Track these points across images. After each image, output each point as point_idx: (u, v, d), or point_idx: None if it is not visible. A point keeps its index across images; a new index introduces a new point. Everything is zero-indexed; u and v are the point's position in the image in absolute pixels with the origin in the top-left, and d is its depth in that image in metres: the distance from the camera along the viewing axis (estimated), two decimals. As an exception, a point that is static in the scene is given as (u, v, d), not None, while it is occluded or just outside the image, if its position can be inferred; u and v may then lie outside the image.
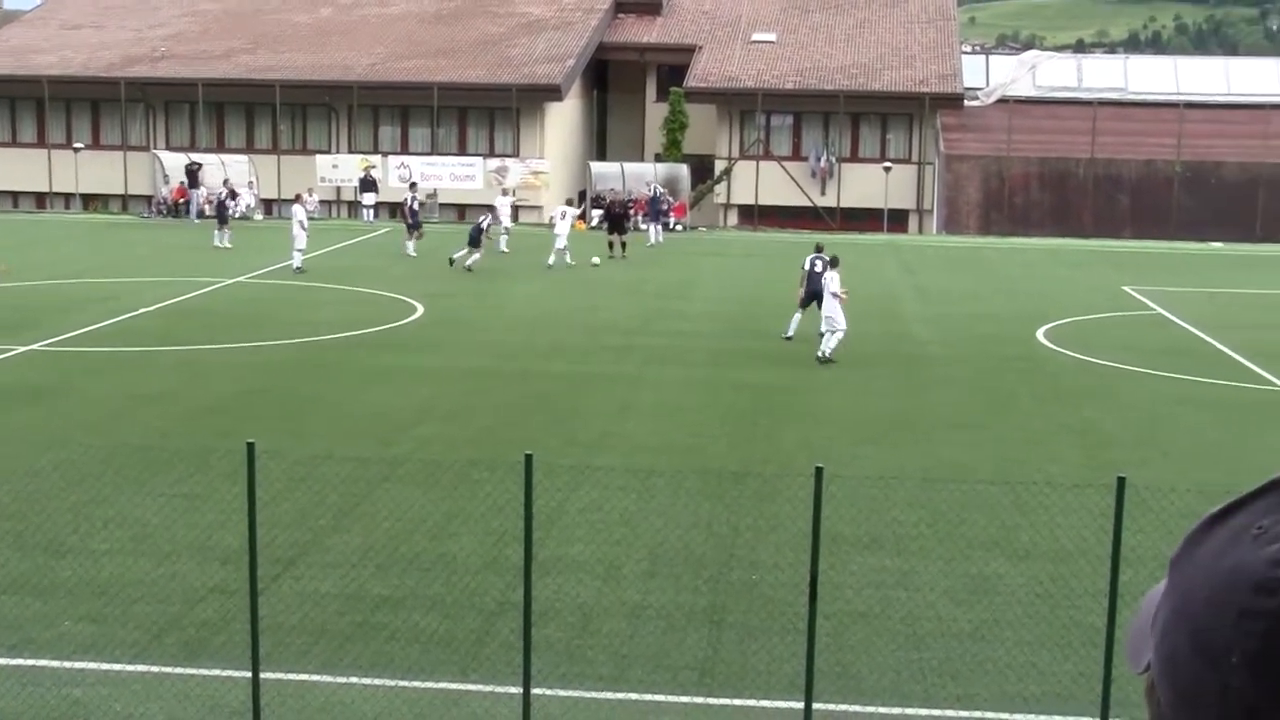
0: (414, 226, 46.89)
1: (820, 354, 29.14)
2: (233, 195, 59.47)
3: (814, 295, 30.46)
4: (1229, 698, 1.09)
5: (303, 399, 25.04)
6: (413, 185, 51.52)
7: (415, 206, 47.71)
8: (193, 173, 59.51)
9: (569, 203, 50.53)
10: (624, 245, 47.27)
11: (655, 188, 55.54)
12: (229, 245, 47.57)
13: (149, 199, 63.30)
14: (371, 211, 59.42)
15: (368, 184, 59.75)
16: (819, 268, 30.61)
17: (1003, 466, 21.03)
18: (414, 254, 45.68)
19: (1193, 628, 1.12)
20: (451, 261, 43.32)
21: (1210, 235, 58.52)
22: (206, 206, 57.41)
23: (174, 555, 16.54)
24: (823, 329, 29.42)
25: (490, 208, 49.88)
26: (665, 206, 54.65)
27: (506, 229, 48.29)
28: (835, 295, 29.18)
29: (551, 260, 43.64)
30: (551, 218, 48.15)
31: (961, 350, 31.22)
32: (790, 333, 31.36)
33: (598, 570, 16.32)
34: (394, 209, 61.35)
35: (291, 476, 19.36)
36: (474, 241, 43.18)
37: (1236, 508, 1.18)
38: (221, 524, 17.39)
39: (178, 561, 16.33)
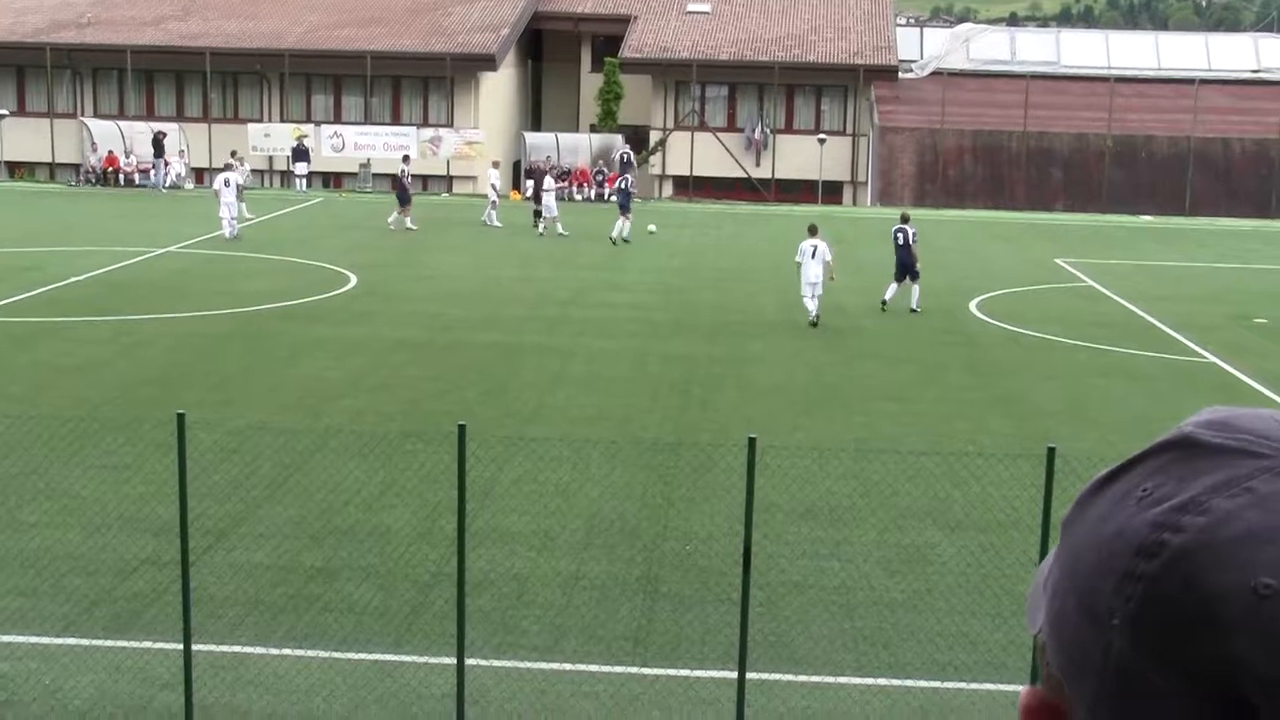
0: (405, 200, 45.66)
1: (815, 318, 30.37)
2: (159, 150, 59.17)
3: (905, 267, 32.58)
4: (1109, 659, 1.10)
5: (234, 370, 24.88)
6: (405, 159, 50.25)
7: (407, 181, 46.59)
8: (158, 142, 58.56)
9: (550, 170, 50.28)
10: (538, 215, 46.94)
11: (624, 153, 56.08)
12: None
13: (77, 167, 62.56)
14: (304, 181, 59.01)
15: (300, 153, 59.27)
16: (901, 240, 32.73)
17: (935, 438, 21.20)
18: (413, 226, 44.68)
19: (1080, 589, 1.13)
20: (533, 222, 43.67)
21: (1141, 208, 59.13)
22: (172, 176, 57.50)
23: (105, 527, 16.41)
24: (815, 294, 30.43)
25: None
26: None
27: (495, 202, 47.92)
28: (827, 262, 30.37)
29: (542, 228, 44.34)
30: (532, 187, 48.29)
31: (893, 323, 31.39)
32: (887, 297, 32.69)
33: (532, 541, 16.35)
34: (327, 178, 60.95)
35: (223, 448, 19.26)
36: (403, 200, 44.08)
37: (1124, 470, 1.18)
38: (153, 495, 17.27)
39: (108, 533, 16.22)
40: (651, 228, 45.36)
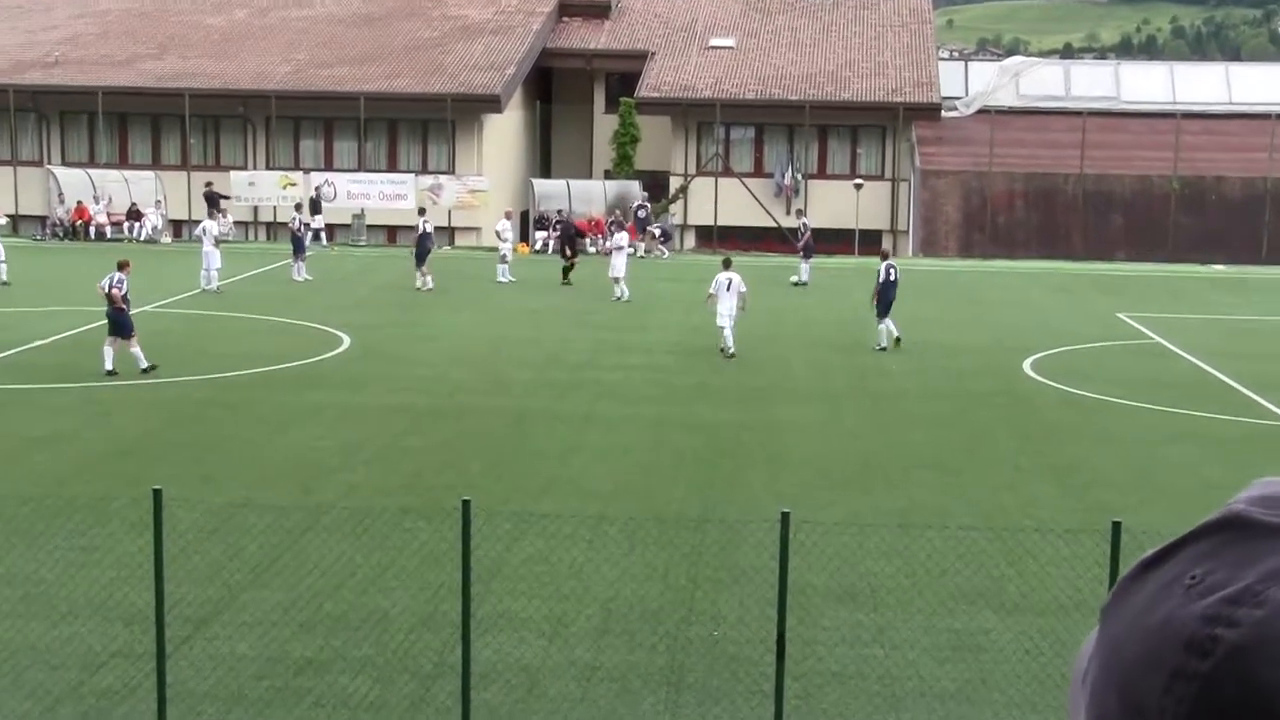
0: (421, 256, 45.26)
1: (730, 351, 33.54)
2: (136, 216, 59.43)
3: (890, 304, 35.07)
4: None
5: (216, 441, 24.90)
6: (422, 210, 49.98)
7: (428, 230, 46.32)
8: (212, 197, 58.24)
9: (615, 224, 50.60)
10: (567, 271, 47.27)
11: (640, 205, 57.24)
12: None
13: (43, 219, 62.93)
14: (321, 235, 58.55)
15: (315, 204, 59.09)
16: (892, 276, 35.49)
17: (985, 511, 21.12)
18: (430, 285, 44.55)
19: (1122, 685, 1.11)
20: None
21: (1211, 256, 59.04)
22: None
23: (71, 616, 16.40)
24: (729, 325, 33.70)
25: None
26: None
27: (505, 256, 48.08)
28: (742, 293, 33.97)
29: (618, 293, 43.56)
30: (607, 245, 47.66)
31: (938, 385, 31.36)
32: (883, 343, 35.14)
33: (544, 628, 16.29)
34: (315, 231, 60.99)
35: (203, 527, 19.26)
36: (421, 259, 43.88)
37: (1170, 553, 1.16)
38: (125, 580, 17.25)
39: (76, 623, 16.20)
40: (794, 278, 46.45)
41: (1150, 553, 1.18)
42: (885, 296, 35.48)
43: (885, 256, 37.02)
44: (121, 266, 31.63)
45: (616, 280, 43.65)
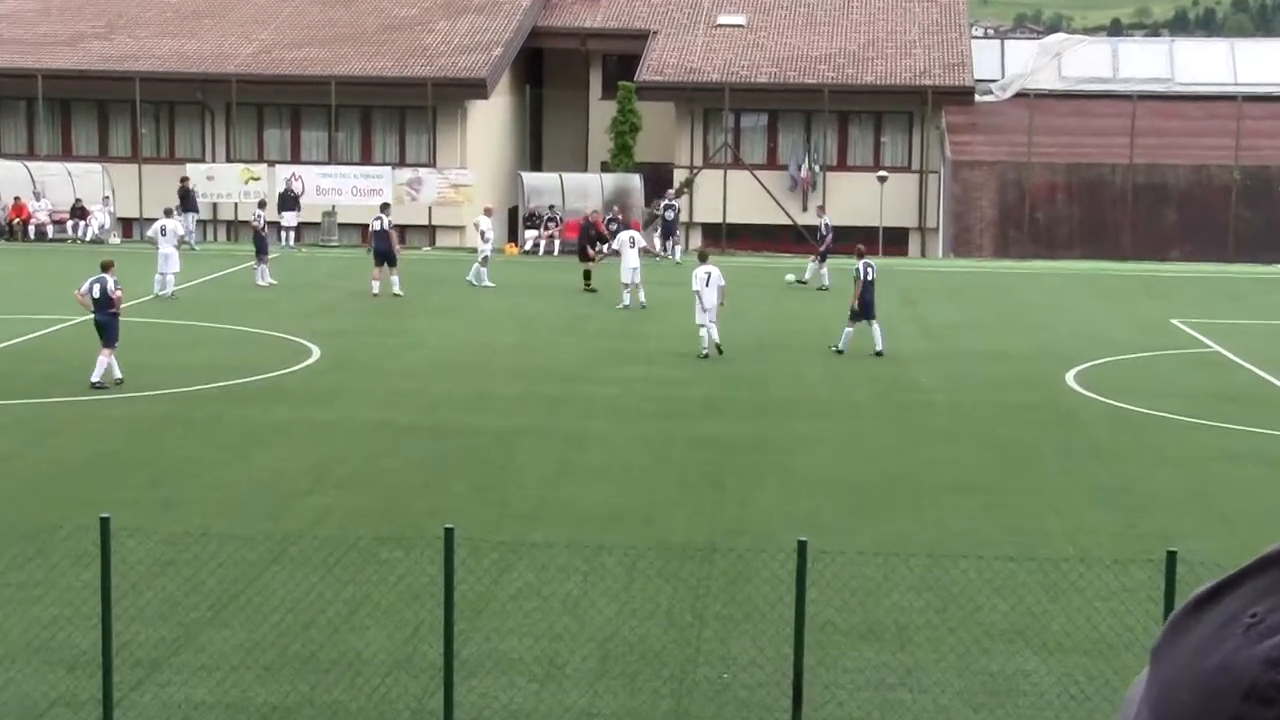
0: (385, 255, 45.12)
1: (707, 350, 34.84)
2: (81, 214, 59.39)
3: (869, 305, 35.91)
4: None
5: (171, 462, 24.89)
6: (384, 206, 49.68)
7: (386, 228, 45.94)
8: (187, 193, 58.17)
9: (614, 221, 50.41)
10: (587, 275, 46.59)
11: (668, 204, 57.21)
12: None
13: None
14: (292, 234, 58.50)
15: (288, 201, 59.02)
16: (870, 275, 36.14)
17: (1025, 539, 21.11)
18: (386, 291, 44.45)
19: None
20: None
21: (1277, 255, 58.98)
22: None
23: (7, 660, 16.38)
24: (711, 320, 34.82)
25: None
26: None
27: (486, 257, 47.99)
28: (721, 287, 35.22)
29: (626, 300, 42.96)
30: (611, 246, 46.90)
31: (971, 398, 31.35)
32: (841, 346, 35.83)
33: (535, 670, 16.27)
34: (282, 230, 60.87)
35: (157, 559, 19.23)
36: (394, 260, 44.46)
37: (1226, 588, 1.14)
38: (68, 619, 17.23)
39: (11, 668, 16.17)
40: (790, 277, 46.33)
41: (1205, 587, 1.17)
42: (864, 298, 36.12)
43: (861, 254, 37.72)
44: (107, 268, 31.81)
45: (628, 285, 43.19)
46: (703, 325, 35.02)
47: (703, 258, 37.35)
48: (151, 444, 26.24)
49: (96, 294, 31.12)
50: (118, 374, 30.60)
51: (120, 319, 31.40)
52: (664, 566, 19.50)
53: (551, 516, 22.02)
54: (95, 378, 30.49)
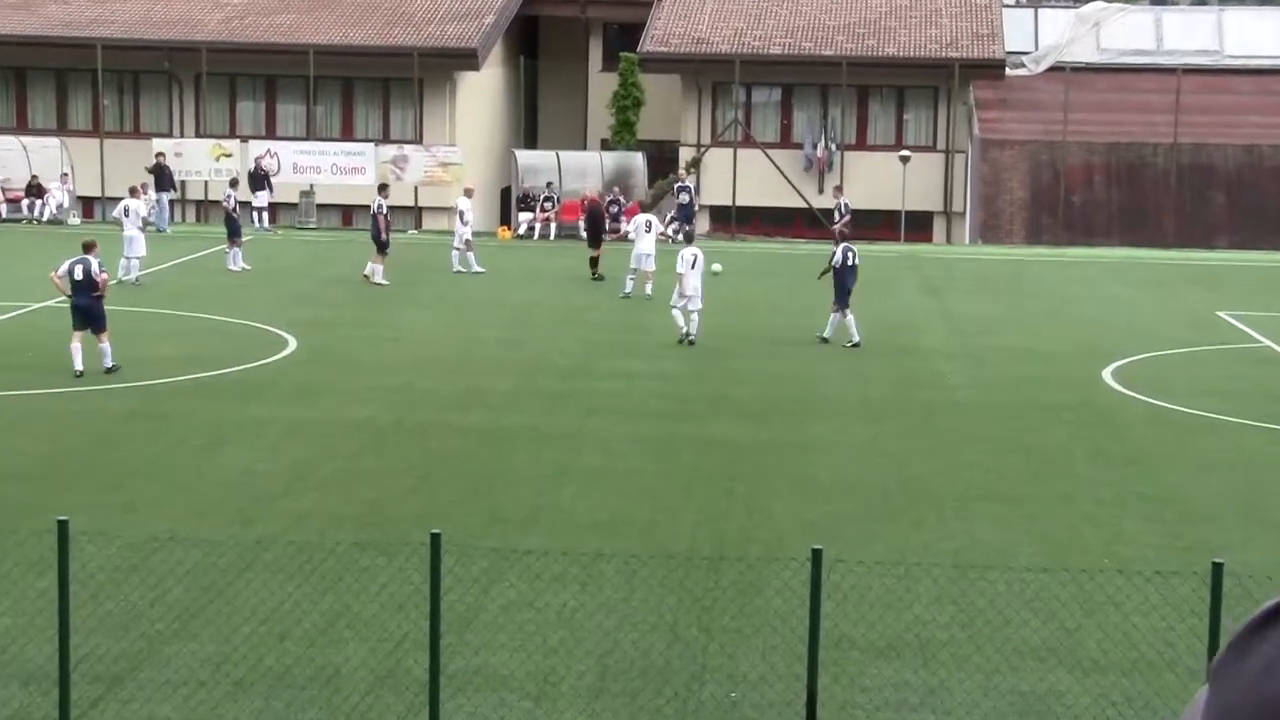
0: (384, 246, 45.02)
1: (690, 337, 35.63)
2: (38, 192, 59.34)
3: (848, 291, 36.23)
4: None
5: (136, 463, 24.90)
6: (383, 187, 49.10)
7: (384, 212, 45.67)
8: (161, 169, 58.22)
9: (614, 204, 50.00)
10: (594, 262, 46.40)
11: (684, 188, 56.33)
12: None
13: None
14: (265, 215, 58.43)
15: (259, 179, 58.97)
16: (850, 259, 36.45)
17: (1057, 550, 21.10)
18: (383, 281, 44.45)
19: None
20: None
21: (1332, 244, 59.00)
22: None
23: (-38, 671, 16.39)
24: (694, 307, 35.68)
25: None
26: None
27: (468, 240, 47.90)
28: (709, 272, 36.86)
29: (629, 288, 42.78)
30: (627, 231, 46.56)
31: (1000, 397, 31.35)
32: (827, 333, 36.39)
33: (528, 687, 16.28)
34: (256, 210, 60.91)
35: (120, 565, 19.25)
36: (383, 248, 44.25)
37: None
38: (22, 631, 17.24)
39: (-34, 679, 16.19)
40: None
41: (1269, 605, 1.17)
42: (844, 283, 36.43)
43: (843, 238, 38.25)
44: (90, 248, 31.90)
45: (634, 272, 42.85)
46: (675, 307, 35.95)
47: (689, 238, 38.72)
48: (114, 442, 26.24)
49: (80, 276, 31.12)
50: (78, 366, 30.61)
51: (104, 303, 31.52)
52: (667, 576, 19.51)
53: (546, 522, 22.02)
54: (109, 362, 30.91)
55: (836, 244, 37.62)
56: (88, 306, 31.04)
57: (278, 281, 45.20)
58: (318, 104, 64.25)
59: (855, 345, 35.64)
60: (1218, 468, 25.99)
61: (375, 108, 65.34)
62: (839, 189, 53.75)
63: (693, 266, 36.02)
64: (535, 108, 72.66)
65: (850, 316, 36.01)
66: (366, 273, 44.48)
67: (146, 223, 45.91)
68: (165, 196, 57.57)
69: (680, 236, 53.92)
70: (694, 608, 18.62)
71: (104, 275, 31.50)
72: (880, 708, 16.03)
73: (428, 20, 64.64)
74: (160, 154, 58.77)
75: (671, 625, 18.05)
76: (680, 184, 57.08)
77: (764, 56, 64.68)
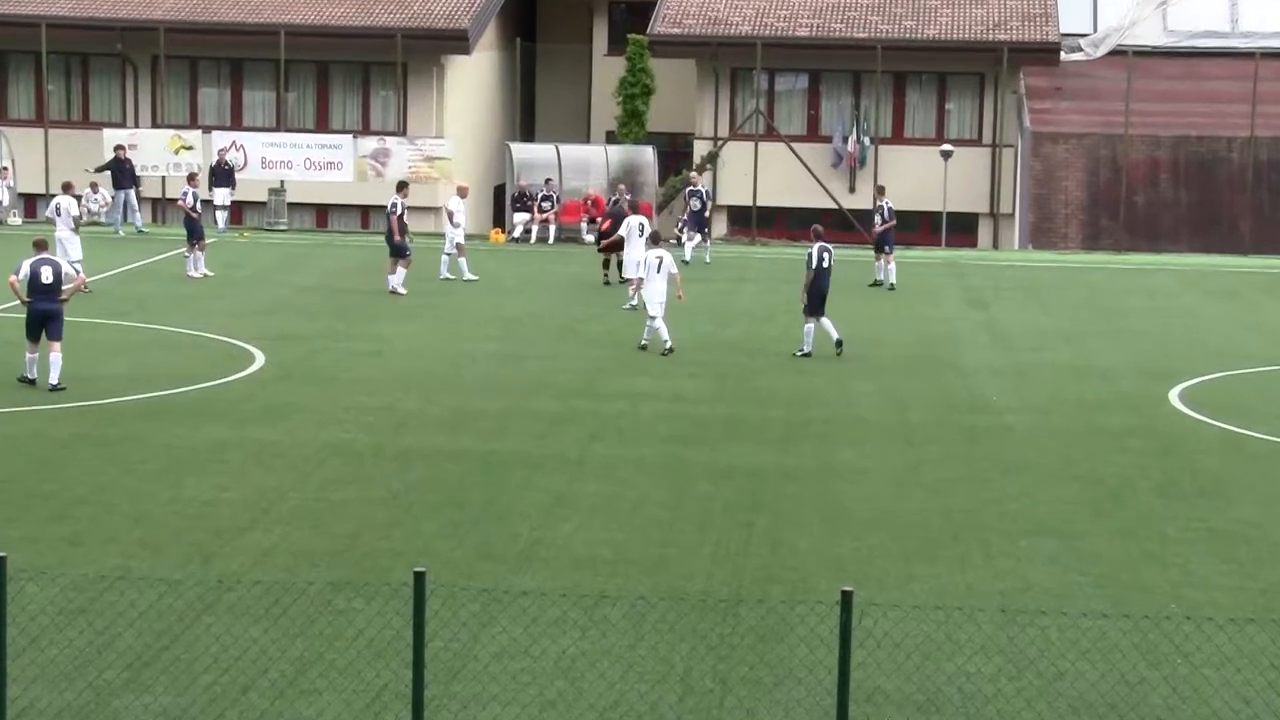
0: (401, 251, 44.96)
1: (646, 344, 36.74)
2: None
3: (824, 297, 36.86)
4: None
5: (83, 491, 24.88)
6: (402, 185, 48.34)
7: (401, 213, 45.37)
8: (120, 165, 58.38)
9: (618, 203, 48.86)
10: (620, 265, 46.25)
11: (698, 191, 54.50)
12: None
13: None
14: (225, 215, 58.45)
15: (221, 174, 58.96)
16: (826, 262, 37.10)
17: (1118, 593, 21.06)
18: (403, 290, 44.52)
19: None
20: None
21: None
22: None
23: (-113, 725, 16.37)
24: (655, 313, 36.44)
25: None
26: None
27: (459, 245, 47.86)
28: (673, 275, 36.95)
29: (634, 300, 42.12)
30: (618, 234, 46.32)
31: (1054, 421, 31.32)
32: (806, 348, 36.69)
33: (521, 745, 16.25)
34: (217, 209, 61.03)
35: (64, 608, 19.23)
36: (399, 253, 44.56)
37: None
38: (-42, 677, 17.22)
39: (-108, 734, 16.17)
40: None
41: None
42: (818, 287, 36.87)
43: (818, 236, 38.20)
44: (42, 248, 32.00)
45: (633, 281, 42.65)
46: (655, 316, 36.54)
47: (654, 239, 39.40)
48: (57, 468, 26.21)
49: (48, 279, 31.15)
50: (32, 373, 30.71)
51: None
52: (678, 621, 19.48)
53: (543, 559, 21.99)
54: (56, 378, 31.05)
55: (812, 242, 37.74)
56: (52, 313, 31.07)
57: (243, 289, 45.21)
58: (289, 91, 64.35)
59: (805, 354, 36.47)
60: (1298, 501, 25.96)
61: (354, 95, 65.44)
62: (881, 190, 52.50)
63: (658, 270, 36.72)
64: (533, 96, 72.72)
65: (813, 324, 36.69)
66: (391, 288, 44.31)
67: (79, 222, 45.64)
68: (127, 193, 57.58)
69: (674, 240, 53.18)
70: (709, 656, 18.59)
71: (81, 276, 31.45)
72: (918, 769, 16.00)
73: (413, -2, 64.69)
74: (120, 146, 58.81)
75: (683, 675, 18.02)
76: (692, 188, 54.59)
77: (789, 39, 64.72)
